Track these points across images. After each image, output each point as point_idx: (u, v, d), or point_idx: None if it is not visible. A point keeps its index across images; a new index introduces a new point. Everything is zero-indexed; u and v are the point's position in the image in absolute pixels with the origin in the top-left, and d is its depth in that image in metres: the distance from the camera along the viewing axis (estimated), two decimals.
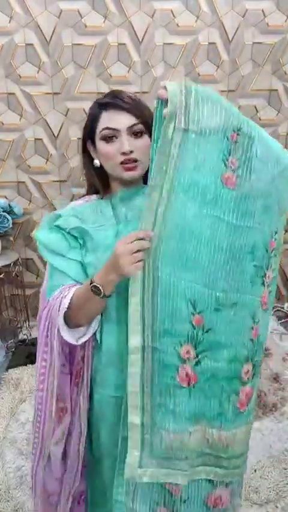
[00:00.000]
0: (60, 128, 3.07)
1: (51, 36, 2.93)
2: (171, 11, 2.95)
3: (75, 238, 1.22)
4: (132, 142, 1.20)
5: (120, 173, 1.21)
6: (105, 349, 1.22)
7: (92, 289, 1.10)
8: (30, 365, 2.88)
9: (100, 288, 1.09)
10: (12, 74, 2.98)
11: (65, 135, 3.08)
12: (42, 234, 1.21)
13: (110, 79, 3.01)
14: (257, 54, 3.02)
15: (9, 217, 2.96)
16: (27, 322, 3.21)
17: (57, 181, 3.17)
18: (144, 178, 1.24)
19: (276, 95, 3.11)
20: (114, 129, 1.20)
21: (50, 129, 3.07)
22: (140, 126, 1.20)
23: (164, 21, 2.95)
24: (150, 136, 1.14)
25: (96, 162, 1.25)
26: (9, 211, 2.98)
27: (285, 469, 2.10)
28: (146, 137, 1.21)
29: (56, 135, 3.08)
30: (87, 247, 1.21)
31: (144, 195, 1.14)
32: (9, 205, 2.99)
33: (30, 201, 3.19)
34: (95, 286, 1.09)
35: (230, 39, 2.99)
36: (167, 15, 2.95)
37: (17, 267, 3.05)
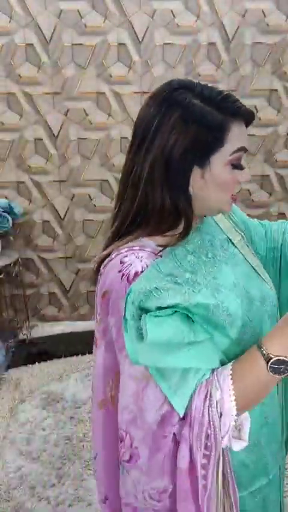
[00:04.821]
0: (60, 128, 3.06)
1: (51, 36, 2.93)
2: (171, 11, 2.94)
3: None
4: None
5: (223, 207, 0.89)
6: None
7: (272, 369, 0.76)
8: (30, 365, 2.89)
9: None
10: (12, 74, 2.98)
11: (65, 135, 3.07)
12: (153, 333, 0.75)
13: (110, 79, 3.01)
14: (256, 54, 3.02)
15: (9, 218, 2.96)
16: (27, 322, 3.20)
17: (57, 181, 3.16)
18: None
19: (276, 95, 3.10)
20: (246, 150, 0.87)
21: (50, 129, 3.07)
22: None
23: (164, 21, 2.95)
24: None
25: (191, 190, 0.86)
26: (9, 211, 2.98)
27: (286, 469, 2.10)
28: None
29: (56, 135, 3.08)
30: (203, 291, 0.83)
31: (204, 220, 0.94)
32: (9, 205, 2.99)
33: (30, 201, 3.19)
34: (278, 362, 0.75)
35: (230, 39, 2.99)
36: (167, 15, 2.95)
37: (16, 267, 3.04)
